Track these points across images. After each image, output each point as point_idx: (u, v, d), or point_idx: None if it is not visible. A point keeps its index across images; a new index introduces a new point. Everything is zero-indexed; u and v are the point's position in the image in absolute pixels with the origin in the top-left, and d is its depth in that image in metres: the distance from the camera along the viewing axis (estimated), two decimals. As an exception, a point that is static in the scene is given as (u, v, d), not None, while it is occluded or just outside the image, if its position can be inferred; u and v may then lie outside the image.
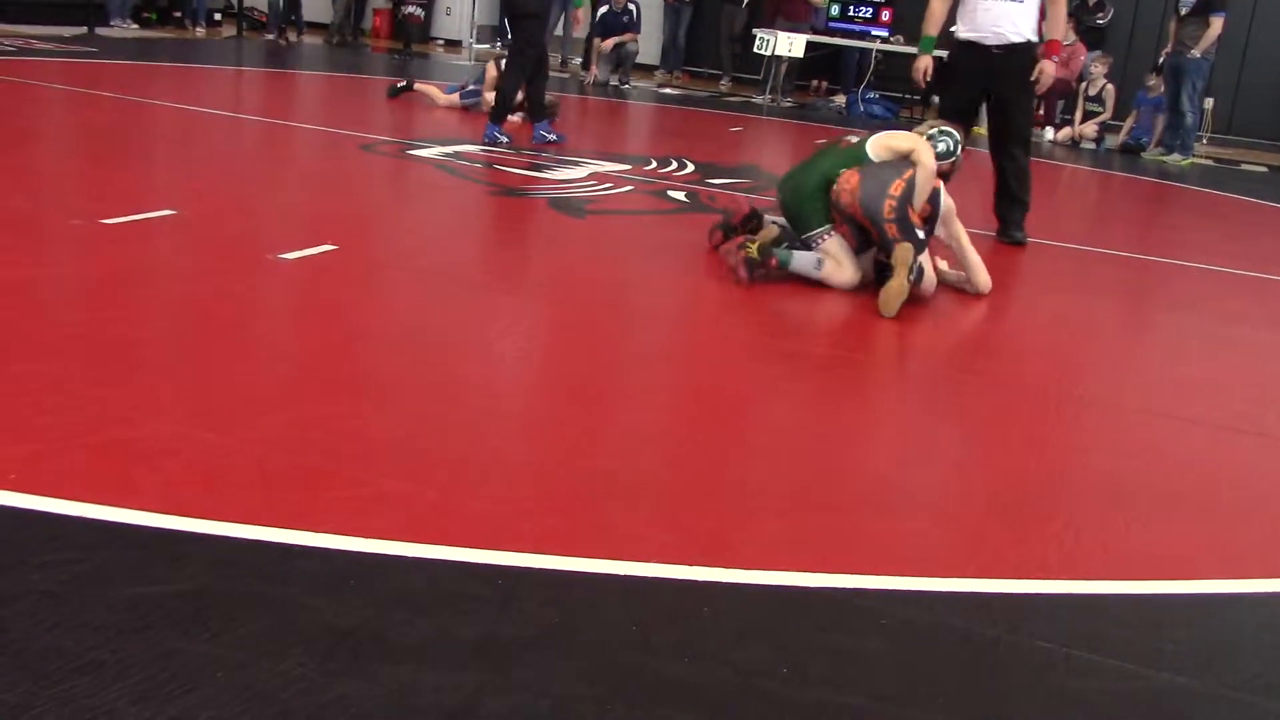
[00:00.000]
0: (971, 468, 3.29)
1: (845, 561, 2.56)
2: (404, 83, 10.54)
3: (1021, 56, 6.25)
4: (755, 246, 4.94)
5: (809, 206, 5.09)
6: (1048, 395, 4.00)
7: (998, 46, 6.22)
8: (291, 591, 2.23)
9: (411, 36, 15.90)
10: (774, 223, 5.38)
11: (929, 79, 6.52)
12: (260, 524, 2.46)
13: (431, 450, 2.95)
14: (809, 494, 2.94)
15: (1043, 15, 6.40)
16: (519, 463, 2.96)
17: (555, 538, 2.54)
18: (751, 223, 5.39)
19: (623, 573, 2.43)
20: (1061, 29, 6.62)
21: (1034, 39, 6.31)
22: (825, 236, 5.06)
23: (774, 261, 4.95)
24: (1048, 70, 6.31)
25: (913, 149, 5.04)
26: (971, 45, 6.31)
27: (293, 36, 14.92)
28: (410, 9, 15.77)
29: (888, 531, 2.76)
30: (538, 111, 8.45)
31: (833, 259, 5.01)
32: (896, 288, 4.70)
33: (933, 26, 6.43)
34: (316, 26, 16.17)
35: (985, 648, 2.28)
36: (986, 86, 6.39)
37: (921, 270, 4.86)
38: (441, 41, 17.74)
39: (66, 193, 5.57)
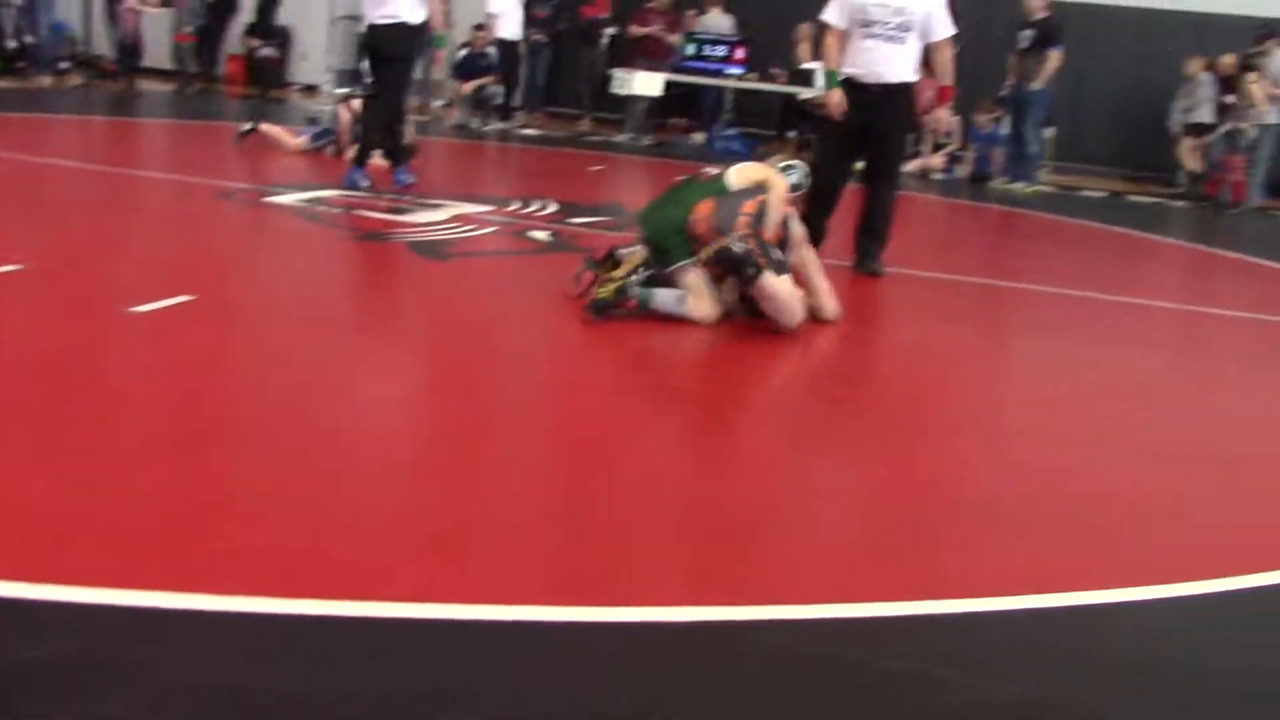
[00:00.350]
0: (838, 494, 3.35)
1: (718, 594, 2.59)
2: (250, 125, 10.23)
3: (901, 97, 6.43)
4: (611, 288, 4.97)
5: (672, 241, 5.15)
6: (910, 420, 4.11)
7: (877, 86, 6.37)
8: (158, 654, 2.16)
9: (268, 81, 15.66)
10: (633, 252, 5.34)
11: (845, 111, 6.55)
12: (121, 586, 2.38)
13: (298, 500, 2.90)
14: (680, 528, 2.97)
15: (927, 60, 6.57)
16: (388, 509, 2.93)
17: (428, 584, 2.52)
18: (608, 262, 5.38)
19: (497, 617, 2.41)
20: (949, 74, 6.70)
21: (913, 80, 6.48)
22: (688, 270, 5.12)
23: (632, 303, 4.99)
24: (943, 117, 6.49)
25: (765, 178, 5.18)
26: (854, 83, 6.46)
27: (136, 84, 14.44)
28: (265, 52, 15.50)
29: (758, 561, 2.80)
30: (399, 155, 8.41)
31: (694, 292, 5.07)
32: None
33: (832, 61, 6.54)
34: (168, 74, 15.84)
35: (857, 671, 2.32)
36: (866, 123, 6.48)
37: (756, 267, 4.91)
38: (298, 86, 17.52)
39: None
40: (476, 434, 3.64)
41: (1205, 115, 13.03)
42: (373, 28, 8.35)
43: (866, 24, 6.33)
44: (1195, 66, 13.22)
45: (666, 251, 5.15)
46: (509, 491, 3.14)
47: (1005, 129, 12.92)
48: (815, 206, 6.44)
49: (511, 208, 7.95)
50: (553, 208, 8.08)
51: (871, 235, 6.65)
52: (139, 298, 4.56)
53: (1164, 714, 2.27)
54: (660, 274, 5.18)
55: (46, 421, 3.30)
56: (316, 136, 9.98)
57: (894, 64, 6.35)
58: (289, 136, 10.06)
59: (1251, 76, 12.07)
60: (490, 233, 6.89)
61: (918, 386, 4.71)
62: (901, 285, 6.52)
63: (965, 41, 14.38)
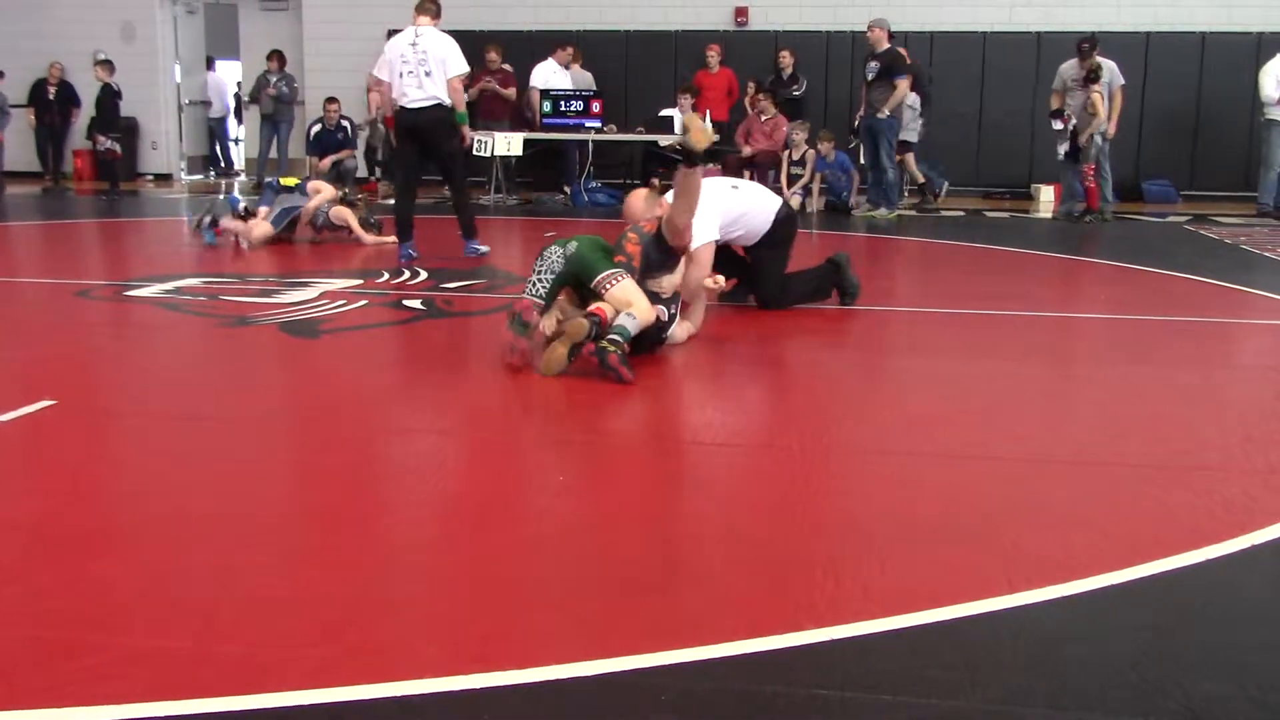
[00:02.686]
0: (727, 532, 3.35)
1: (622, 644, 2.56)
2: (210, 218, 9.81)
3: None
4: (567, 349, 5.00)
5: (592, 256, 5.19)
6: (786, 449, 4.14)
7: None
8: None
9: (116, 175, 15.33)
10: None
11: None
12: (2, 708, 2.27)
13: (180, 600, 2.79)
14: (577, 582, 2.94)
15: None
16: (276, 597, 2.84)
17: (323, 668, 2.44)
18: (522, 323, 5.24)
19: (398, 694, 2.35)
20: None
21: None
22: (617, 279, 5.12)
23: (613, 357, 4.92)
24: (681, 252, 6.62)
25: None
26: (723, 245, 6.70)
27: None
28: (105, 145, 15.13)
29: (659, 607, 2.78)
30: (471, 228, 9.07)
31: (634, 302, 5.13)
32: (559, 355, 4.97)
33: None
34: (14, 175, 15.41)
35: (765, 705, 2.31)
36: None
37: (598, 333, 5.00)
38: (150, 177, 17.21)
39: None
40: (362, 511, 3.56)
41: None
42: (411, 111, 8.67)
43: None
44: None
45: (589, 265, 5.16)
46: (398, 566, 3.08)
47: (850, 160, 13.30)
48: None
49: (382, 279, 7.87)
50: (424, 275, 8.03)
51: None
52: (-3, 407, 4.39)
53: (1074, 711, 2.31)
54: (589, 287, 5.20)
55: (-95, 546, 3.14)
56: (279, 217, 9.63)
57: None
58: (257, 225, 9.58)
59: (1096, 88, 12.57)
60: (362, 306, 6.81)
61: (789, 415, 4.75)
62: (771, 316, 6.59)
63: (809, 79, 14.87)
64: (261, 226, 9.58)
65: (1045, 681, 2.42)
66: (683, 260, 5.51)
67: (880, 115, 12.48)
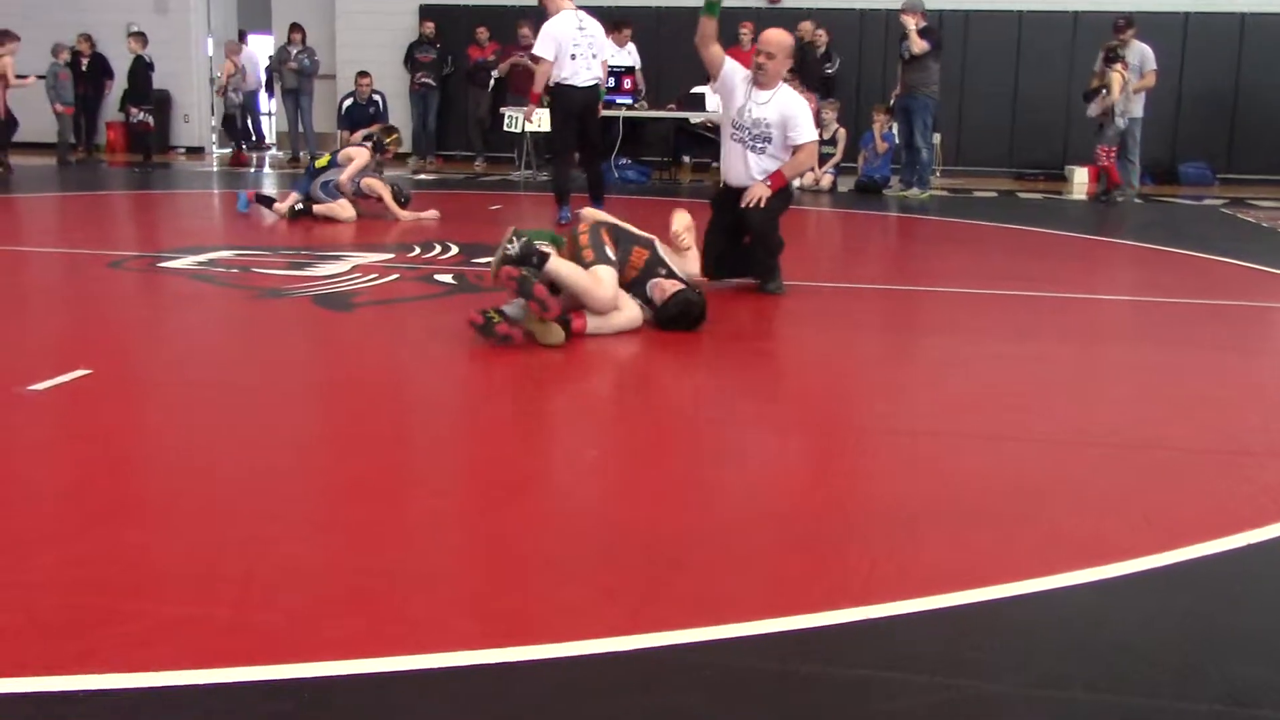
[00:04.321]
0: (762, 510, 3.34)
1: (656, 618, 2.55)
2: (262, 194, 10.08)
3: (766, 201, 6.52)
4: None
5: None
6: (823, 428, 4.12)
7: (741, 189, 6.53)
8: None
9: (149, 147, 15.40)
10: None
11: None
12: (35, 674, 2.28)
13: (216, 568, 2.80)
14: (607, 556, 2.93)
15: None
16: (309, 567, 2.85)
17: (357, 638, 2.45)
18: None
19: (432, 665, 2.35)
20: (794, 171, 6.68)
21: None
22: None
23: (538, 288, 4.96)
24: (753, 191, 6.47)
25: None
26: (726, 186, 6.70)
27: (7, 162, 13.96)
28: (138, 117, 15.20)
29: (693, 583, 2.77)
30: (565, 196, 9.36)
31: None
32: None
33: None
34: (44, 147, 15.50)
35: (802, 684, 2.30)
36: (737, 222, 6.57)
37: (531, 252, 5.09)
38: (183, 149, 17.27)
39: None
40: (393, 483, 3.57)
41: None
42: (581, 90, 9.19)
43: (735, 128, 6.58)
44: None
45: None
46: (430, 537, 3.08)
47: (897, 137, 13.21)
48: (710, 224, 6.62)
49: (413, 253, 7.88)
50: (455, 250, 8.02)
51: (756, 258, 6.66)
52: (33, 376, 4.42)
53: (1113, 695, 2.28)
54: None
55: (-56, 511, 3.17)
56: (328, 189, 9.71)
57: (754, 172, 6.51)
58: (342, 208, 9.74)
59: (1117, 67, 12.43)
60: (394, 280, 6.81)
61: (825, 395, 4.73)
62: (807, 296, 6.56)
63: (844, 58, 14.74)
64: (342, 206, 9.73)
65: (1085, 665, 2.39)
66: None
67: (917, 94, 12.37)
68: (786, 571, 2.85)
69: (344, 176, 9.73)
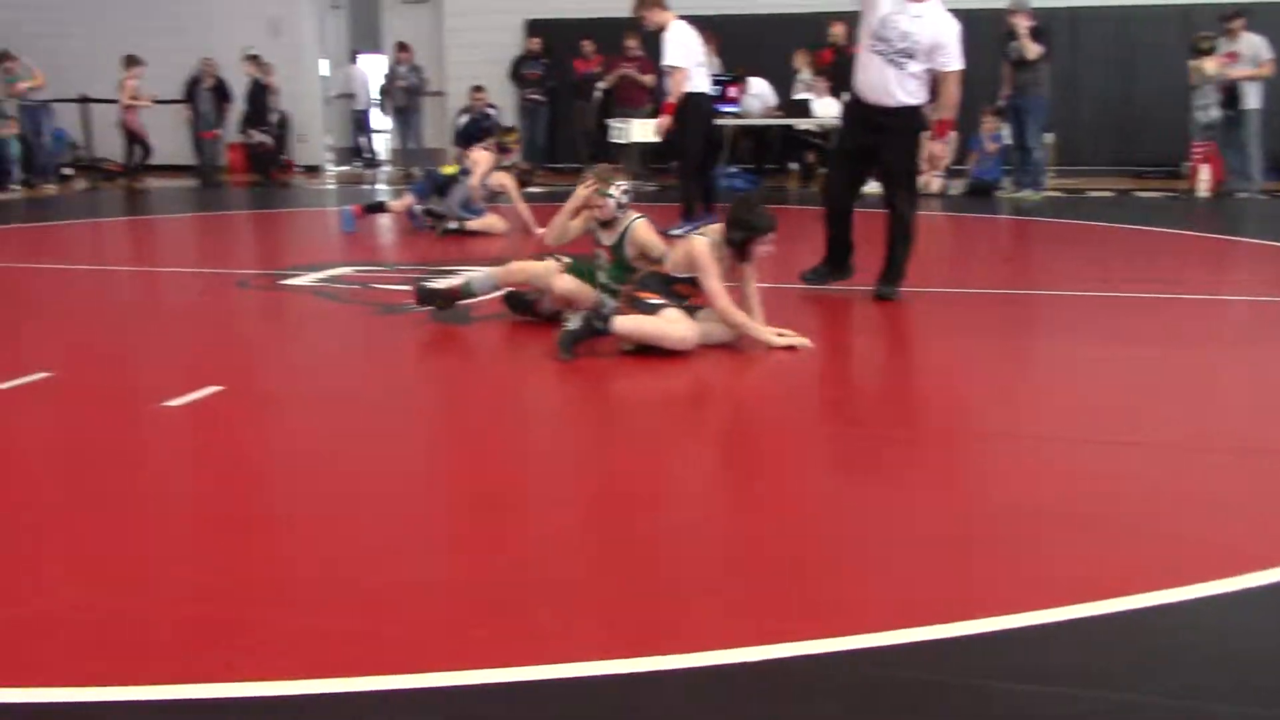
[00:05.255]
0: (886, 519, 3.32)
1: (786, 629, 2.56)
2: (376, 201, 10.35)
3: (903, 118, 6.33)
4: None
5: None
6: (941, 435, 4.08)
7: (879, 107, 6.30)
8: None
9: (268, 167, 15.82)
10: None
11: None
12: (179, 682, 2.37)
13: (348, 580, 2.88)
14: (737, 567, 2.94)
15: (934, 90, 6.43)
16: (437, 578, 2.91)
17: (484, 649, 2.49)
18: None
19: (567, 675, 2.39)
20: (950, 109, 6.47)
21: (914, 103, 6.34)
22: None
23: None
24: (937, 151, 6.42)
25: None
26: (857, 101, 6.46)
27: (143, 184, 14.50)
28: (257, 138, 15.65)
29: (822, 592, 2.77)
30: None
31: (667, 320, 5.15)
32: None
33: None
34: (170, 168, 16.01)
35: (934, 694, 2.29)
36: (868, 142, 6.41)
37: (591, 320, 5.11)
38: (300, 168, 17.70)
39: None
40: (518, 495, 3.62)
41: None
42: (708, 97, 9.47)
43: (876, 40, 6.26)
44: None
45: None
46: (556, 549, 3.12)
47: (1007, 138, 12.98)
48: (827, 224, 6.54)
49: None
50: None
51: (886, 258, 6.57)
52: (169, 392, 4.58)
53: (1253, 708, 2.23)
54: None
55: (91, 527, 3.30)
56: (422, 214, 9.87)
57: (893, 87, 6.26)
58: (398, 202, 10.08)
59: (1205, 60, 12.09)
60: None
61: (942, 401, 4.68)
62: (922, 302, 6.49)
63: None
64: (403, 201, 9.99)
65: (1223, 676, 2.34)
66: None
67: (1029, 94, 12.16)
68: (914, 581, 2.83)
69: (474, 181, 9.84)
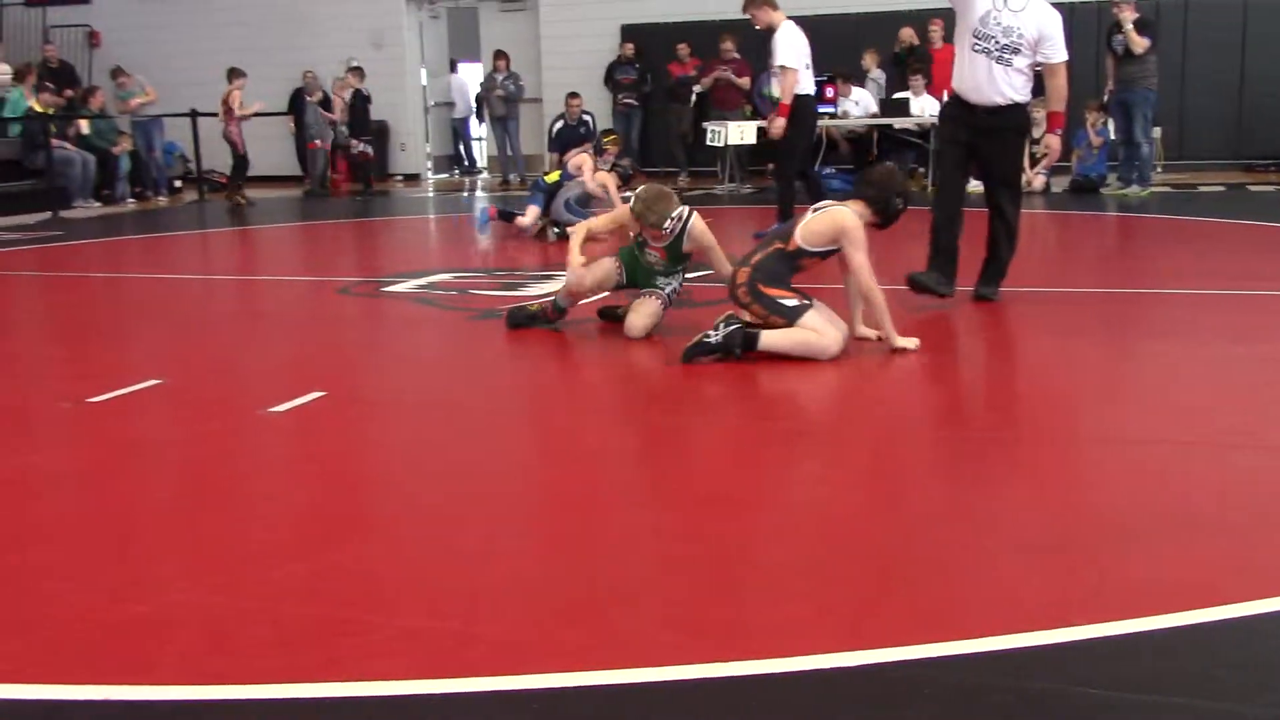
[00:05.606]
0: (985, 522, 3.26)
1: (875, 634, 2.53)
2: (504, 209, 10.39)
3: (1009, 117, 6.18)
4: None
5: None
6: (1045, 437, 3.99)
7: (984, 107, 6.16)
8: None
9: (370, 175, 16.11)
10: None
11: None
12: (282, 681, 2.42)
13: (444, 582, 2.91)
14: (824, 570, 2.91)
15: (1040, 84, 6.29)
16: (532, 581, 2.93)
17: (580, 651, 2.50)
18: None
19: (656, 679, 2.38)
20: (1061, 101, 6.32)
21: (1021, 100, 6.19)
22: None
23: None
24: (1054, 145, 6.28)
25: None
26: (959, 103, 6.31)
27: (246, 195, 14.84)
28: (358, 148, 15.96)
29: (913, 597, 2.73)
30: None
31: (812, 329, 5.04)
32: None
33: None
34: (271, 179, 16.38)
35: (1035, 702, 2.24)
36: (972, 142, 6.27)
37: (739, 331, 5.01)
38: (400, 177, 17.98)
39: (51, 377, 5.57)
40: (608, 497, 3.63)
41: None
42: (813, 100, 9.26)
43: (978, 39, 6.11)
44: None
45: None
46: (648, 552, 3.12)
47: (1112, 134, 12.69)
48: (935, 231, 6.36)
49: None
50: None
51: (987, 259, 6.45)
52: (273, 398, 4.68)
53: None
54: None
55: (197, 529, 3.39)
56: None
57: (1000, 84, 6.10)
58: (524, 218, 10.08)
59: None
60: (604, 297, 6.93)
61: (1046, 403, 4.58)
62: (1025, 301, 6.37)
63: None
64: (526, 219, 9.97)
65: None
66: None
67: (1135, 88, 11.88)
68: (1012, 586, 2.77)
69: (587, 181, 9.88)
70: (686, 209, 5.75)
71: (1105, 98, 12.62)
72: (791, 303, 5.08)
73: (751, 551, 3.10)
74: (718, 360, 5.04)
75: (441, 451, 4.12)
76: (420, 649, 2.54)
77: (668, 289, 5.86)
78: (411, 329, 6.51)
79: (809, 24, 9.30)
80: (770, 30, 8.98)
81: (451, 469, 3.90)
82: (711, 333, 5.05)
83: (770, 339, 5.03)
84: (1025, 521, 3.23)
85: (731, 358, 5.02)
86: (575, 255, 5.82)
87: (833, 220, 5.15)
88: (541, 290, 7.16)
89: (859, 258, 5.10)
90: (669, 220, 5.62)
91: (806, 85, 9.03)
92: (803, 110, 9.00)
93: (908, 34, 14.25)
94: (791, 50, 8.85)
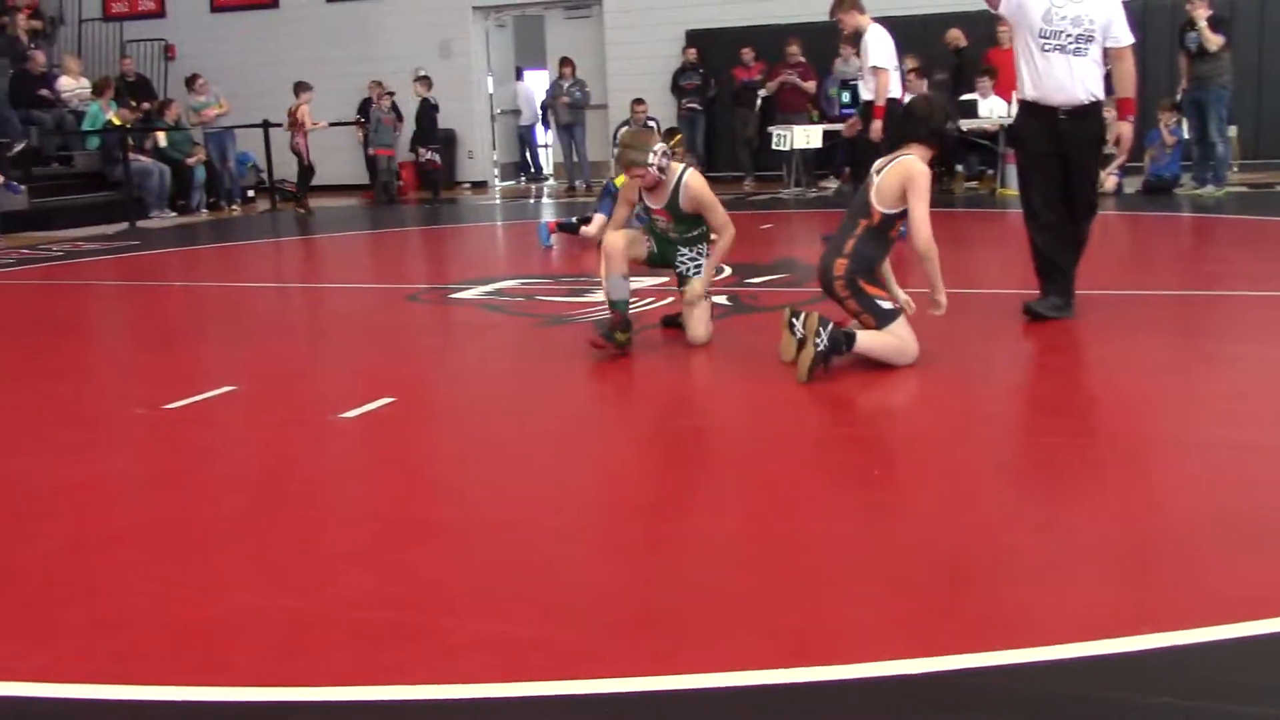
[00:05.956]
0: (1053, 527, 3.22)
1: (947, 641, 2.51)
2: (575, 220, 10.25)
3: (1090, 121, 5.92)
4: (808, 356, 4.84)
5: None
6: (1119, 441, 3.94)
7: (1067, 108, 5.82)
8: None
9: (437, 184, 16.27)
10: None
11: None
12: (356, 684, 2.45)
13: (515, 587, 2.94)
14: (899, 576, 2.89)
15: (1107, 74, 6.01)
16: (603, 586, 2.94)
17: (654, 657, 2.51)
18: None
19: (733, 684, 2.38)
20: (1131, 86, 5.96)
21: (1101, 97, 5.94)
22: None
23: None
24: (1126, 132, 6.01)
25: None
26: (1035, 108, 5.94)
27: (308, 205, 15.05)
28: (426, 156, 16.13)
29: (985, 604, 2.70)
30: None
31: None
32: (804, 357, 4.80)
33: None
34: (340, 189, 16.59)
35: (1107, 711, 2.21)
36: (1054, 150, 5.92)
37: (839, 341, 4.83)
38: (468, 185, 18.14)
39: (128, 383, 5.70)
40: (679, 503, 3.64)
41: None
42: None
43: (1046, 37, 5.81)
44: None
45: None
46: (718, 558, 3.12)
47: (1185, 133, 12.45)
48: (1039, 254, 6.04)
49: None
50: (727, 271, 8.09)
51: (1054, 271, 6.01)
52: (344, 404, 4.75)
53: None
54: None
55: (271, 533, 3.44)
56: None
57: (1083, 78, 5.81)
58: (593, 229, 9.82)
59: None
60: (669, 303, 6.94)
61: (1120, 407, 4.52)
62: (1099, 305, 6.28)
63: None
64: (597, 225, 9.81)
65: None
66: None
67: (1210, 86, 11.65)
68: (1083, 592, 2.74)
69: None
70: (684, 166, 5.67)
71: (1179, 97, 12.40)
72: (887, 305, 5.03)
73: (822, 556, 3.09)
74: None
75: (510, 457, 4.15)
76: (492, 653, 2.57)
77: (690, 265, 5.74)
78: (479, 335, 6.56)
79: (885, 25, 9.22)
80: (858, 34, 8.92)
81: (521, 474, 3.93)
82: (818, 340, 4.83)
83: (865, 342, 4.95)
84: (1100, 528, 3.18)
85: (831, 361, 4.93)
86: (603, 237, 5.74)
87: (900, 170, 5.06)
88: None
89: (920, 209, 5.00)
90: (650, 155, 5.47)
91: (896, 88, 8.96)
92: (888, 114, 8.91)
93: (954, 35, 14.09)
94: (883, 52, 8.78)
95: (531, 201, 16.11)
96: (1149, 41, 14.71)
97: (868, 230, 5.08)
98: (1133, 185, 12.65)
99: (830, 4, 9.09)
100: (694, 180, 5.62)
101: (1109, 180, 12.36)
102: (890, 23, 9.24)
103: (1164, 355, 5.28)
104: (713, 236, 5.80)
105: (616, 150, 5.59)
